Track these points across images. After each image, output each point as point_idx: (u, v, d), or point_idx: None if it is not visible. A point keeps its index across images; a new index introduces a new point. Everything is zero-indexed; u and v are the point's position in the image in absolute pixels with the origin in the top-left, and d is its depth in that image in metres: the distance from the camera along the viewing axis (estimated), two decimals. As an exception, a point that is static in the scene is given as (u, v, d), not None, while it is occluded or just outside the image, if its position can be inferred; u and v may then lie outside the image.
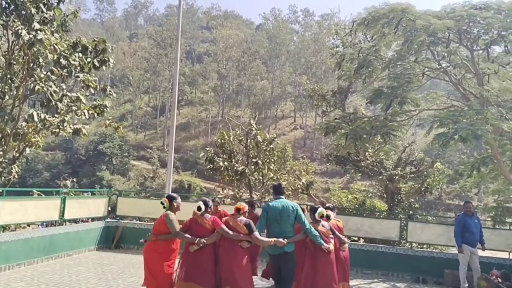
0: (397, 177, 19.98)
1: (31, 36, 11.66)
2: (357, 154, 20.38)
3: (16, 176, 13.60)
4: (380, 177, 20.09)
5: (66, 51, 13.03)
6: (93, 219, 12.90)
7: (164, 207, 6.16)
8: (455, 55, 12.86)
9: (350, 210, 18.98)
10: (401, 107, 13.22)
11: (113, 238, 12.07)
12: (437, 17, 12.79)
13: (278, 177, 20.43)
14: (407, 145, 22.12)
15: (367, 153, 20.41)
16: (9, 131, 12.64)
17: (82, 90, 14.18)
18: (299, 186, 20.71)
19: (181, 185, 58.30)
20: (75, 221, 11.88)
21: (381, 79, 15.04)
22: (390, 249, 11.77)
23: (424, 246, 14.80)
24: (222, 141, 20.27)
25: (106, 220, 12.24)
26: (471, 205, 10.03)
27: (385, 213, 18.44)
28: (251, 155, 19.77)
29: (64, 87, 13.66)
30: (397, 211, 18.10)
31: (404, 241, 12.37)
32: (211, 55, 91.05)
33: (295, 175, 21.65)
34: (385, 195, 20.99)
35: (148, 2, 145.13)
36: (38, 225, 17.57)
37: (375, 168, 20.35)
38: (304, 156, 34.88)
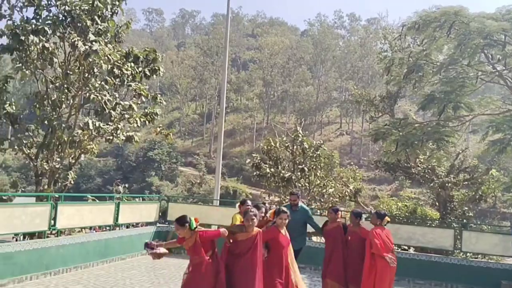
0: (449, 184, 19.31)
1: (86, 47, 12.19)
2: (408, 160, 19.86)
3: (72, 182, 14.18)
4: (432, 184, 19.49)
5: (119, 61, 13.53)
6: (144, 224, 13.24)
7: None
8: (511, 57, 12.33)
9: (401, 218, 18.49)
10: (454, 112, 12.79)
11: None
12: (492, 19, 12.32)
13: (325, 183, 20.24)
14: (460, 152, 21.34)
15: (417, 160, 19.87)
16: (65, 139, 13.20)
17: (134, 98, 14.66)
18: (346, 193, 20.42)
19: (227, 191, 58.79)
20: (127, 226, 12.25)
21: (432, 84, 14.63)
22: (443, 259, 11.37)
23: (479, 256, 14.19)
24: (268, 147, 20.30)
25: (157, 225, 12.53)
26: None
27: (437, 221, 17.82)
28: (297, 162, 19.70)
29: (117, 95, 14.19)
30: (450, 220, 17.46)
31: (458, 251, 11.92)
32: (257, 62, 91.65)
33: (343, 182, 21.36)
34: (437, 203, 20.34)
35: (195, 12, 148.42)
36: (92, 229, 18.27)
37: (426, 175, 19.77)
38: (352, 163, 34.33)
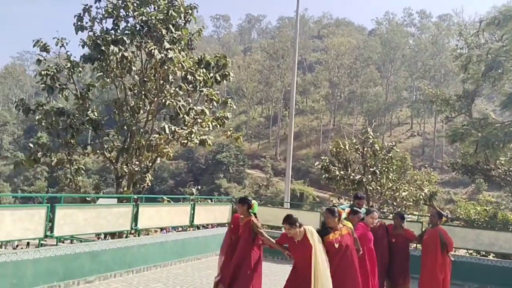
0: (534, 188, 18.04)
1: (162, 55, 12.75)
2: (487, 162, 18.80)
3: (149, 184, 14.86)
4: (514, 188, 18.30)
5: (192, 68, 14.01)
6: (215, 225, 13.56)
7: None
8: None
9: (480, 223, 17.53)
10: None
11: (237, 244, 12.53)
12: None
13: (398, 187, 19.65)
14: (547, 153, 19.84)
15: (498, 162, 18.73)
16: (143, 143, 13.87)
17: (206, 103, 15.10)
18: (421, 196, 19.67)
19: (293, 194, 58.63)
20: (197, 227, 12.57)
21: (513, 81, 13.76)
22: (530, 267, 10.63)
23: None
24: (337, 149, 20.03)
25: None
26: None
27: (521, 227, 16.69)
28: (368, 164, 19.28)
29: (190, 101, 14.70)
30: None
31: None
32: (323, 64, 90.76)
33: (417, 185, 20.60)
34: (520, 208, 19.06)
35: (261, 16, 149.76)
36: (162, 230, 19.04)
37: (507, 178, 18.59)
38: (426, 165, 33.02)
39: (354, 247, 5.74)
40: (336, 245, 5.50)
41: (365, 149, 19.46)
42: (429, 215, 8.50)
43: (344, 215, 5.88)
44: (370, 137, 19.39)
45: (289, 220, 5.37)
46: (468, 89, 20.63)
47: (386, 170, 19.03)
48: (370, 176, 18.88)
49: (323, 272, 5.28)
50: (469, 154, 14.01)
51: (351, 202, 7.81)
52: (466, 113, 20.45)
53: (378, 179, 18.95)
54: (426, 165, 31.72)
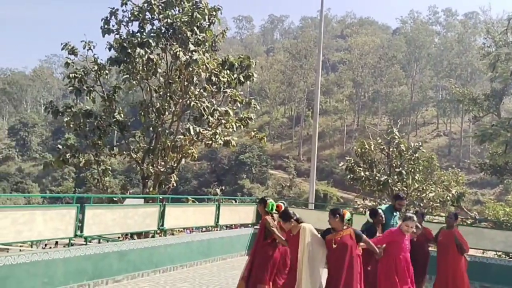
0: None
1: (187, 57, 12.87)
2: (517, 163, 18.34)
3: (174, 184, 15.01)
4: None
5: (216, 69, 14.09)
6: (239, 226, 13.61)
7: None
8: None
9: (509, 224, 17.12)
10: None
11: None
12: None
13: (424, 187, 19.32)
14: None
15: (528, 162, 18.25)
16: (169, 144, 14.02)
17: (230, 104, 15.17)
18: (448, 197, 19.30)
19: (317, 195, 58.33)
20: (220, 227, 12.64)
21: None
22: None
23: None
24: (362, 150, 19.81)
25: (254, 227, 12.81)
26: None
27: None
28: (394, 165, 19.01)
29: (214, 102, 14.79)
30: None
31: None
32: (346, 63, 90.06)
33: (444, 186, 20.21)
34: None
35: (284, 17, 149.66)
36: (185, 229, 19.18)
37: (539, 179, 18.09)
38: (453, 165, 32.41)
39: (355, 248, 5.84)
40: (334, 245, 5.77)
41: (391, 149, 19.21)
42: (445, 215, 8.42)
43: (348, 215, 5.93)
44: (396, 137, 19.12)
45: (283, 216, 6.04)
46: (496, 88, 20.18)
47: (412, 170, 18.73)
48: (396, 177, 18.61)
49: (307, 267, 5.70)
50: (498, 154, 13.72)
51: (390, 202, 7.53)
52: (494, 113, 19.99)
53: (404, 180, 18.66)
54: (453, 166, 31.12)
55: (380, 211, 6.90)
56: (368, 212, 6.73)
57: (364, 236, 5.99)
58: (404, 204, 7.67)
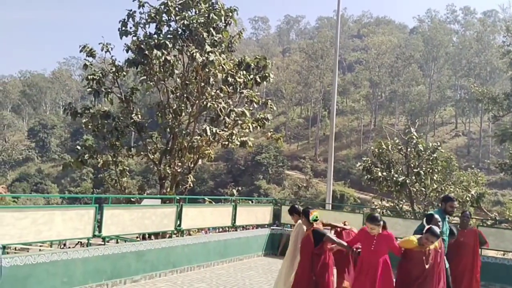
0: None
1: (203, 58, 12.89)
2: (539, 163, 17.96)
3: (191, 185, 15.05)
4: None
5: (232, 70, 14.09)
6: (255, 226, 13.57)
7: None
8: None
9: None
10: None
11: (278, 245, 12.54)
12: None
13: (443, 188, 19.05)
14: None
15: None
16: (185, 145, 14.06)
17: (246, 105, 15.15)
18: (467, 198, 19.00)
19: (334, 195, 57.88)
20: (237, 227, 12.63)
21: None
22: None
23: None
24: (380, 150, 19.64)
25: (271, 227, 12.79)
26: None
27: None
28: (412, 165, 18.80)
29: (230, 103, 14.79)
30: None
31: None
32: (363, 63, 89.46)
33: (463, 186, 19.91)
34: None
35: (300, 17, 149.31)
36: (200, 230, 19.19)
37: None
38: (473, 165, 31.89)
39: (310, 246, 6.22)
40: (301, 243, 6.46)
41: (409, 149, 19.01)
42: (460, 215, 8.20)
43: (313, 215, 6.33)
44: (414, 137, 18.92)
45: (290, 210, 7.16)
46: (517, 86, 19.78)
47: (431, 171, 18.51)
48: (414, 177, 18.41)
49: (285, 259, 6.68)
50: (519, 154, 13.42)
51: (440, 205, 7.12)
52: (515, 112, 19.59)
53: (422, 180, 18.45)
54: (473, 166, 30.65)
55: (436, 216, 6.42)
56: (424, 218, 6.41)
57: (328, 234, 6.29)
58: (455, 205, 6.97)
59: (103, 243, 8.51)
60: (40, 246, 17.38)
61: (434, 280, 5.72)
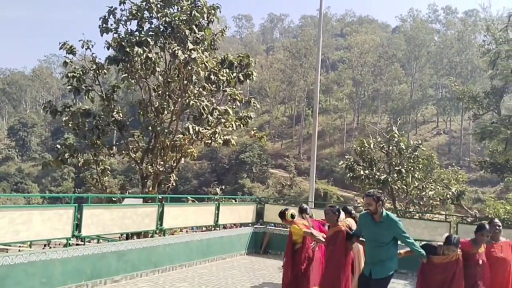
0: None
1: (186, 55, 12.79)
2: (517, 160, 18.28)
3: (174, 184, 14.96)
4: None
5: (215, 68, 14.03)
6: (239, 225, 13.55)
7: None
8: None
9: (510, 223, 17.05)
10: None
11: (261, 244, 12.52)
12: None
13: (424, 186, 19.29)
14: None
15: (529, 160, 18.20)
16: (168, 143, 13.96)
17: (229, 103, 15.11)
18: (448, 196, 19.28)
19: (317, 193, 58.23)
20: (225, 226, 12.62)
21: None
22: None
23: None
24: (362, 148, 19.81)
25: (254, 226, 12.77)
26: None
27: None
28: (393, 163, 19.00)
29: (213, 101, 14.73)
30: None
31: None
32: (346, 62, 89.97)
33: (444, 184, 20.19)
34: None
35: (283, 15, 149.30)
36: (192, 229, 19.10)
37: (539, 177, 18.05)
38: (453, 163, 32.35)
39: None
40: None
41: (390, 147, 19.20)
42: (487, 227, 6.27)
43: (289, 213, 7.11)
44: (395, 135, 19.12)
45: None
46: (497, 85, 20.14)
47: (412, 169, 18.73)
48: (395, 175, 18.60)
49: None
50: (498, 152, 13.67)
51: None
52: (494, 110, 19.96)
53: (404, 178, 18.65)
54: (453, 164, 31.10)
55: (487, 226, 6.09)
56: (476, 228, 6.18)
57: (305, 230, 6.62)
58: (369, 202, 5.54)
59: (82, 243, 8.39)
60: (20, 246, 17.10)
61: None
